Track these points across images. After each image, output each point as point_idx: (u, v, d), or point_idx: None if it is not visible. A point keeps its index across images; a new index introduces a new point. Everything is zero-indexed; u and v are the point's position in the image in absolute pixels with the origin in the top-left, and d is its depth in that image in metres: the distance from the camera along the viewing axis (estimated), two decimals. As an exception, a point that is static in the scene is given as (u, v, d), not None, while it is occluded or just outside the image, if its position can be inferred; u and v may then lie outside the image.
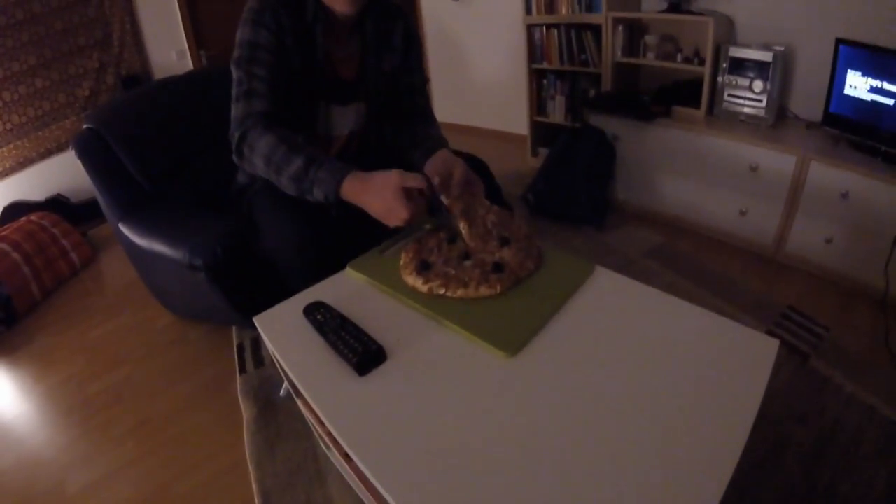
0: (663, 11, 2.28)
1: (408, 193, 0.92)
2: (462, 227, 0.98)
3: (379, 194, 0.93)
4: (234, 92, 1.08)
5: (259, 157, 1.02)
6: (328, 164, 0.98)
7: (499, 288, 0.89)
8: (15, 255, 2.23)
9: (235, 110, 1.07)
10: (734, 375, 0.71)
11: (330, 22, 1.12)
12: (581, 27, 2.57)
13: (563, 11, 2.59)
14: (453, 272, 0.92)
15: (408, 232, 1.06)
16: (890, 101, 1.70)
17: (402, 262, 0.98)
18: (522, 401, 0.70)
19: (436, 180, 0.98)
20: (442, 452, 0.63)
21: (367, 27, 1.18)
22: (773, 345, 0.75)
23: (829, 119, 1.91)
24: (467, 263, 0.95)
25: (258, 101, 1.05)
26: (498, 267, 0.92)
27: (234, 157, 1.09)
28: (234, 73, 1.08)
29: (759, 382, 0.69)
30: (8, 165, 2.94)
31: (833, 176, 1.75)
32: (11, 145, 2.94)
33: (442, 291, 0.90)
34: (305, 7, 1.09)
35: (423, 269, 0.94)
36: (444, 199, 0.98)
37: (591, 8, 2.48)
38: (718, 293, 1.79)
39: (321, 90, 1.18)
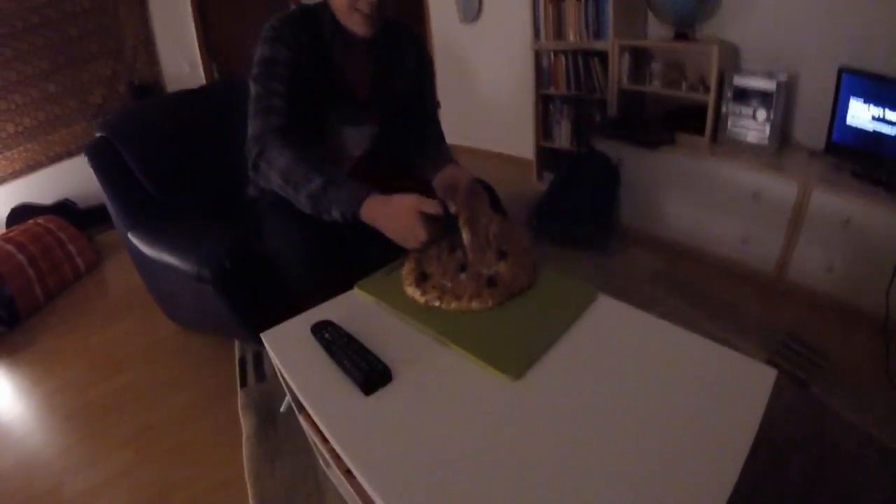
0: (669, 40, 2.32)
1: (424, 218, 0.95)
2: (464, 234, 1.00)
3: (397, 217, 0.96)
4: (251, 108, 1.10)
5: (276, 173, 1.04)
6: (347, 185, 0.99)
7: (490, 302, 0.93)
8: (20, 257, 2.24)
9: (253, 126, 1.09)
10: (732, 404, 0.72)
11: (346, 41, 1.14)
12: (588, 54, 2.61)
13: (571, 38, 2.63)
14: (449, 285, 0.96)
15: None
16: (891, 131, 1.72)
17: (403, 272, 1.02)
18: (525, 423, 0.70)
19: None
20: (445, 472, 0.64)
21: (381, 47, 1.21)
22: (770, 374, 0.76)
23: (832, 147, 1.93)
24: (463, 276, 0.98)
25: (276, 116, 1.07)
26: (492, 281, 0.95)
27: (251, 172, 1.10)
28: (253, 89, 1.10)
29: (755, 411, 0.70)
30: (17, 168, 2.97)
31: (835, 204, 1.77)
32: (21, 148, 2.97)
33: (437, 303, 0.94)
34: (322, 26, 1.12)
35: (422, 280, 0.98)
36: (450, 205, 1.02)
37: (598, 35, 2.52)
38: (720, 319, 1.80)
39: (335, 109, 1.20)
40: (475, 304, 0.93)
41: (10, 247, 2.25)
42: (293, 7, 1.14)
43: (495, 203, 1.22)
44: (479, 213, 1.05)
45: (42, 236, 2.43)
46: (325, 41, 1.12)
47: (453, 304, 0.93)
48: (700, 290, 2.01)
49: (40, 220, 2.55)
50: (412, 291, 0.97)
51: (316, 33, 1.11)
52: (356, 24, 1.09)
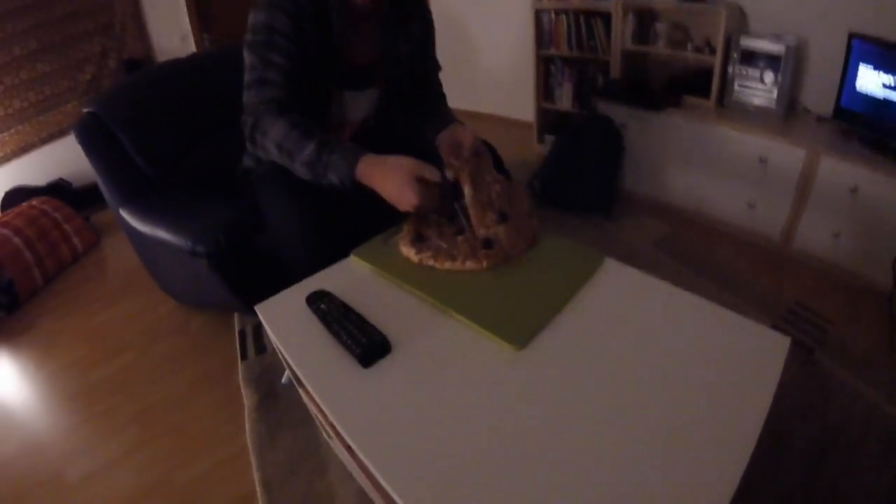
0: (675, 1, 2.24)
1: (422, 183, 0.93)
2: (466, 191, 0.98)
3: (392, 177, 0.93)
4: (246, 77, 1.06)
5: (272, 143, 1.02)
6: (341, 147, 0.97)
7: (485, 263, 0.92)
8: (17, 241, 2.22)
9: (248, 96, 1.06)
10: (744, 372, 0.70)
11: (348, 7, 1.09)
12: (590, 13, 2.53)
13: (573, -2, 2.55)
14: (444, 245, 0.95)
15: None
16: (902, 98, 1.67)
17: (400, 234, 1.01)
18: (529, 395, 0.68)
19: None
20: (445, 445, 0.62)
21: (386, 14, 1.16)
22: (783, 342, 0.74)
23: (840, 113, 1.88)
24: (460, 238, 0.97)
25: (272, 87, 1.04)
26: (488, 243, 0.94)
27: (248, 144, 1.08)
28: (247, 58, 1.06)
29: (769, 380, 0.68)
30: (9, 150, 2.92)
31: (842, 171, 1.73)
32: (13, 130, 2.92)
33: (431, 263, 0.93)
34: None
35: (418, 240, 0.97)
36: (453, 161, 1.00)
37: (601, -6, 2.44)
38: (724, 286, 1.77)
39: (336, 76, 1.16)
40: (469, 265, 0.92)
41: (6, 231, 2.22)
42: None
43: (499, 164, 1.19)
44: (482, 172, 1.03)
45: (38, 218, 2.40)
46: (326, 7, 1.07)
47: (447, 264, 0.92)
48: (705, 257, 1.98)
49: (35, 202, 2.51)
50: (407, 251, 0.97)
51: None
52: None
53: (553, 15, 2.68)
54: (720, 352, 0.74)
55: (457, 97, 1.50)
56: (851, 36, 1.78)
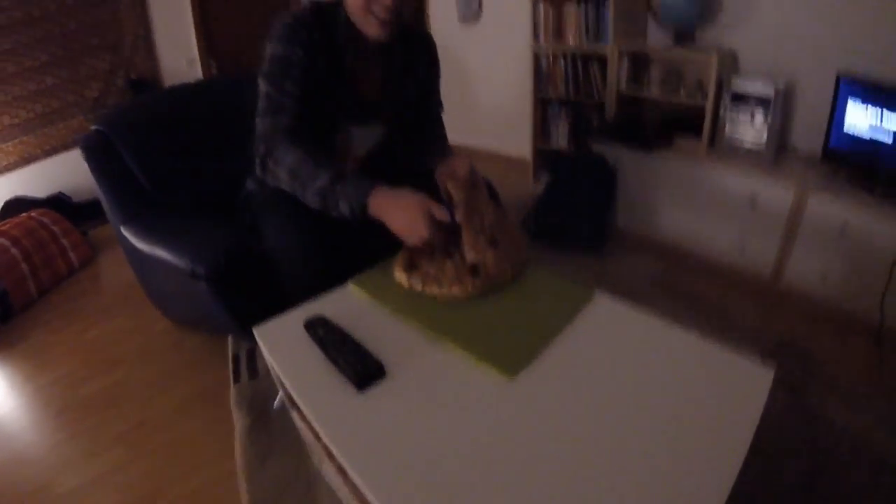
0: (669, 45, 2.32)
1: (431, 219, 0.96)
2: (460, 213, 1.01)
3: (404, 211, 0.96)
4: (260, 106, 1.10)
5: (284, 170, 1.04)
6: (354, 179, 1.00)
7: (470, 289, 0.95)
8: (14, 251, 2.22)
9: (262, 125, 1.09)
10: (729, 404, 0.72)
11: (358, 44, 1.13)
12: (587, 57, 2.61)
13: (571, 41, 2.63)
14: (432, 272, 0.98)
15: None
16: (888, 138, 1.72)
17: (396, 260, 1.05)
18: (520, 422, 0.70)
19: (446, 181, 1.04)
20: (438, 469, 0.63)
21: (395, 52, 1.20)
22: (767, 374, 0.76)
23: (829, 154, 1.93)
24: (448, 264, 1.00)
25: (286, 117, 1.07)
26: (474, 270, 0.97)
27: (258, 170, 1.10)
28: (263, 87, 1.09)
29: (753, 412, 0.70)
30: (12, 161, 2.95)
31: (831, 210, 1.77)
32: (17, 140, 2.95)
33: (419, 288, 0.97)
34: (336, 27, 1.11)
35: (409, 267, 1.01)
36: (449, 185, 1.04)
37: (598, 38, 2.52)
38: (715, 322, 1.80)
39: (343, 110, 1.20)
40: (456, 290, 0.95)
41: (3, 240, 2.23)
42: (306, 3, 1.13)
43: (493, 197, 1.23)
44: (476, 198, 1.06)
45: (36, 230, 2.41)
46: (337, 42, 1.12)
47: (434, 289, 0.96)
48: (695, 294, 2.01)
49: (34, 214, 2.53)
50: (399, 275, 1.00)
51: (329, 34, 1.11)
52: (371, 28, 1.07)
53: (551, 58, 2.77)
54: (706, 384, 0.76)
55: (456, 133, 1.54)
56: (839, 77, 1.84)
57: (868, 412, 1.40)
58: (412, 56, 1.25)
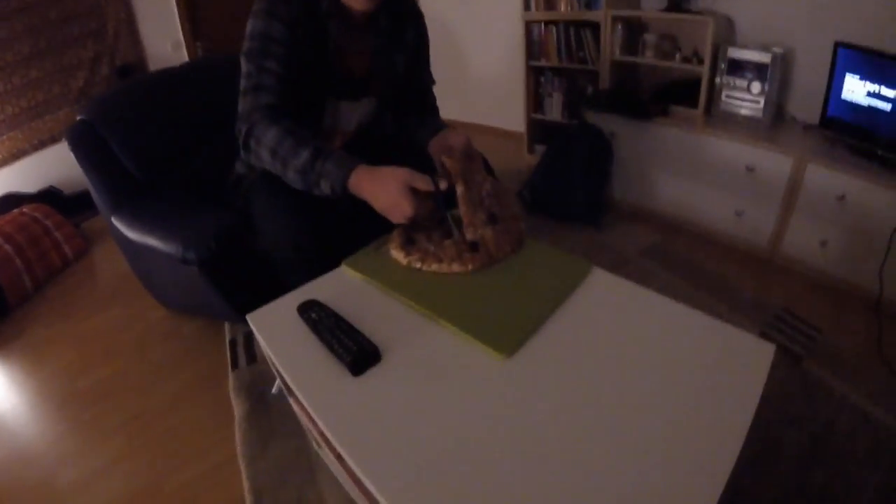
0: (663, 10, 2.27)
1: (415, 192, 0.94)
2: (458, 188, 0.99)
3: (385, 189, 0.94)
4: (242, 85, 1.07)
5: (265, 150, 1.02)
6: (335, 156, 0.98)
7: (470, 266, 0.94)
8: (7, 247, 2.21)
9: (243, 104, 1.06)
10: (730, 379, 0.71)
11: (343, 16, 1.10)
12: (580, 24, 2.56)
13: (563, 8, 2.58)
14: (432, 248, 0.97)
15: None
16: (887, 106, 1.70)
17: (391, 237, 1.03)
18: (517, 402, 0.69)
19: (444, 160, 1.01)
20: (435, 453, 0.62)
21: (382, 23, 1.17)
22: (768, 349, 0.75)
23: (827, 122, 1.91)
24: (447, 241, 0.99)
25: (266, 94, 1.05)
26: (474, 246, 0.96)
27: (241, 152, 1.08)
28: (244, 66, 1.07)
29: (755, 387, 0.69)
30: (1, 157, 2.91)
31: (829, 179, 1.75)
32: (4, 136, 2.90)
33: (419, 265, 0.96)
34: (319, 1, 1.07)
35: (407, 243, 1.00)
36: (445, 160, 1.01)
37: (590, 5, 2.46)
38: (713, 293, 1.79)
39: (331, 85, 1.17)
40: (455, 267, 0.94)
41: (-4, 237, 2.21)
42: None
43: (488, 170, 1.21)
44: (473, 172, 1.04)
45: (28, 225, 2.39)
46: (321, 15, 1.08)
47: (434, 266, 0.95)
48: (693, 265, 2.00)
49: (26, 209, 2.50)
50: (396, 254, 0.99)
51: (312, 7, 1.07)
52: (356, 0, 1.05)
53: (543, 26, 2.71)
54: (706, 360, 0.75)
55: (448, 107, 1.52)
56: (837, 45, 1.81)
57: (868, 383, 1.40)
58: (399, 27, 1.21)
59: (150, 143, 1.63)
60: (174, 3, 3.21)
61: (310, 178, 0.98)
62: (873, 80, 1.73)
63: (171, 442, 1.40)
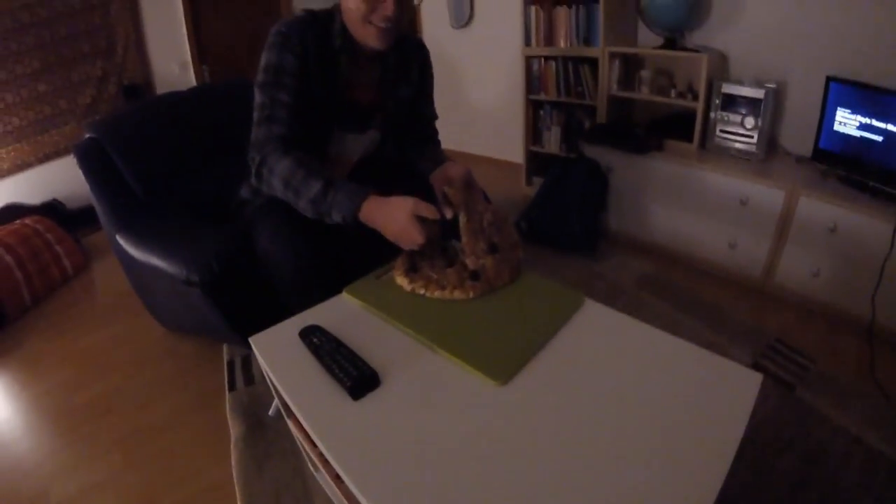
0: (659, 47, 2.34)
1: (421, 220, 0.98)
2: (460, 218, 1.05)
3: (394, 218, 0.98)
4: (255, 115, 1.11)
5: (278, 179, 1.05)
6: (346, 188, 1.01)
7: (472, 294, 0.99)
8: (8, 259, 2.22)
9: (256, 133, 1.10)
10: (718, 408, 0.73)
11: (354, 51, 1.15)
12: (578, 60, 2.63)
13: (562, 44, 2.65)
14: (435, 276, 1.01)
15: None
16: (878, 138, 1.75)
17: (395, 263, 1.07)
18: (512, 428, 0.71)
19: (449, 193, 1.06)
20: (433, 478, 0.64)
21: (390, 58, 1.22)
22: (756, 379, 0.77)
23: (819, 154, 1.96)
24: (449, 269, 1.03)
25: (278, 125, 1.09)
26: (475, 275, 1.00)
27: (254, 179, 1.12)
28: (258, 97, 1.11)
29: (742, 415, 0.71)
30: (5, 167, 2.94)
31: (821, 210, 1.79)
32: (10, 148, 2.94)
33: (422, 291, 1.00)
34: (331, 34, 1.12)
35: (411, 270, 1.04)
36: (446, 189, 1.07)
37: (588, 41, 2.53)
38: (707, 323, 1.81)
39: (338, 116, 1.21)
40: (457, 294, 0.98)
41: (-2, 248, 2.23)
42: (301, 12, 1.14)
43: (486, 201, 1.24)
44: (474, 202, 1.09)
45: (30, 238, 2.40)
46: (332, 50, 1.13)
47: (437, 293, 0.99)
48: (687, 295, 2.03)
49: (28, 221, 2.52)
50: (401, 280, 1.03)
51: (324, 41, 1.11)
52: (370, 38, 1.08)
53: (543, 61, 2.78)
54: (695, 390, 0.77)
55: (449, 138, 1.56)
56: (829, 79, 1.87)
57: (861, 409, 1.41)
58: (406, 61, 1.26)
59: (155, 163, 1.66)
60: (183, 25, 3.28)
61: (321, 209, 1.02)
62: (864, 114, 1.78)
63: (166, 460, 1.40)
